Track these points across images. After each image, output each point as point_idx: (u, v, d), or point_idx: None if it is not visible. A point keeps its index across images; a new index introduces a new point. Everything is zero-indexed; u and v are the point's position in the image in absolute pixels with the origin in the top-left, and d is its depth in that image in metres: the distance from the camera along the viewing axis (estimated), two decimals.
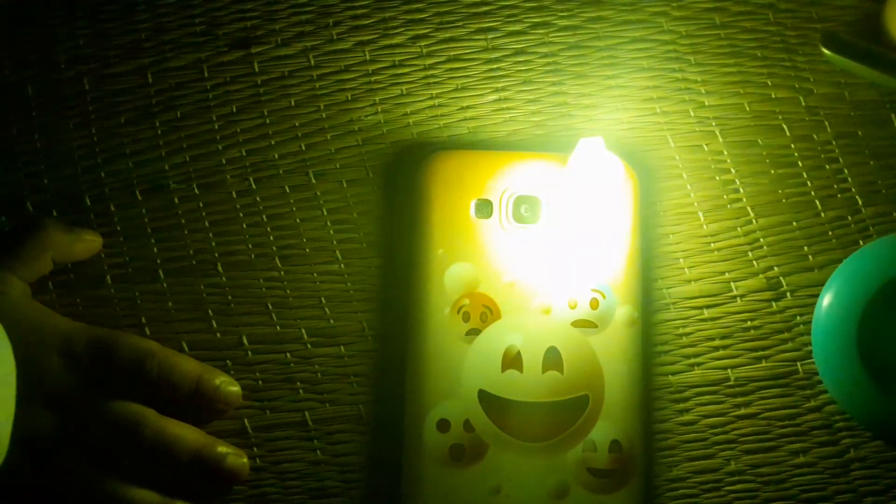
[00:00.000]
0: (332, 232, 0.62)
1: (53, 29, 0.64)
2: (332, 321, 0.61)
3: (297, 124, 0.64)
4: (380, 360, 0.61)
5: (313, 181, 0.63)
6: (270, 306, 0.62)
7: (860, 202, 0.63)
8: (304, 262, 0.62)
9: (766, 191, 0.63)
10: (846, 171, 0.63)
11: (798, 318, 0.62)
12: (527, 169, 0.61)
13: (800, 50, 0.65)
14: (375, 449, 0.60)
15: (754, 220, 0.63)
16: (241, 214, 0.62)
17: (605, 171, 0.59)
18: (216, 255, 0.62)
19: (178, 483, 0.58)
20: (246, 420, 0.60)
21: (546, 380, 0.59)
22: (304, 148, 0.63)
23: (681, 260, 0.62)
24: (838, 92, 0.64)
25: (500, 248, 0.60)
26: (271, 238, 0.62)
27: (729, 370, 0.61)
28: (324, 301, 0.62)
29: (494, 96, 0.64)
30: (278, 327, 0.61)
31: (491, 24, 0.65)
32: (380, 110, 0.64)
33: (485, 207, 0.61)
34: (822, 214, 0.63)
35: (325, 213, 0.63)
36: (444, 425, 0.59)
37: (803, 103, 0.64)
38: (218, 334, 0.61)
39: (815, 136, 0.64)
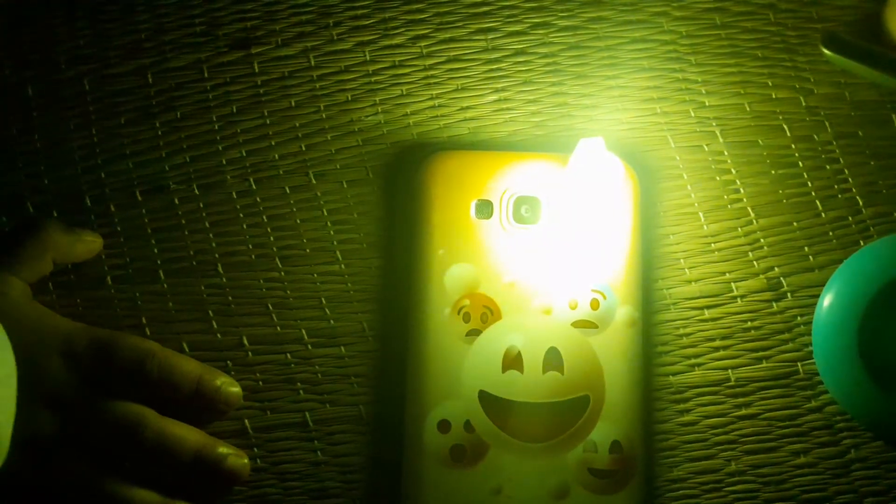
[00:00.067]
0: (332, 232, 0.62)
1: (53, 29, 0.64)
2: (332, 322, 0.61)
3: (297, 125, 0.64)
4: (380, 360, 0.61)
5: (314, 182, 0.63)
6: (271, 307, 0.62)
7: (861, 202, 0.63)
8: (304, 262, 0.62)
9: (767, 191, 0.63)
10: (847, 171, 0.63)
11: (799, 318, 0.62)
12: (527, 169, 0.61)
13: (800, 50, 0.65)
14: (376, 450, 0.60)
15: (755, 221, 0.63)
16: (241, 215, 0.62)
17: (606, 171, 0.59)
18: (216, 255, 0.62)
19: (178, 484, 0.58)
20: (246, 421, 0.60)
21: (546, 380, 0.59)
22: (304, 148, 0.63)
23: (681, 260, 0.62)
24: (839, 92, 0.64)
25: (500, 248, 0.60)
26: (272, 239, 0.62)
27: (729, 370, 0.61)
28: (324, 302, 0.62)
29: (494, 97, 0.64)
30: (279, 328, 0.61)
31: (491, 25, 0.65)
32: (380, 111, 0.64)
33: (485, 208, 0.61)
34: (823, 215, 0.63)
35: (326, 213, 0.63)
36: (444, 426, 0.58)
37: (804, 103, 0.64)
38: (218, 335, 0.61)
39: (815, 137, 0.64)
